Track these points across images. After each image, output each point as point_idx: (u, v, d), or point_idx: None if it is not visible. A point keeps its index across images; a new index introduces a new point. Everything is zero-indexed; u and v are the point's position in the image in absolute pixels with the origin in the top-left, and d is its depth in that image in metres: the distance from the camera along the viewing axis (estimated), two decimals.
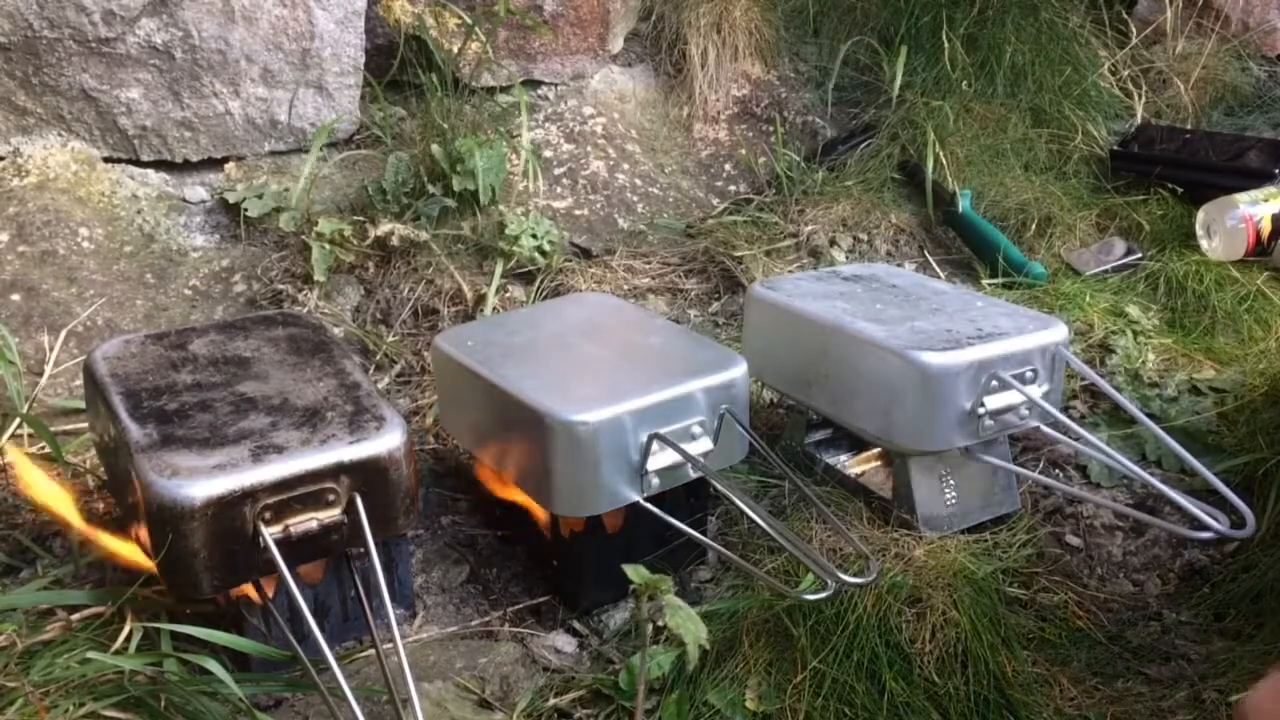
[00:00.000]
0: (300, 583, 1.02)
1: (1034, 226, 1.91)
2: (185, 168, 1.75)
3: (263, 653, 0.98)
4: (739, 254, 1.80)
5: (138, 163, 1.73)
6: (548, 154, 1.94)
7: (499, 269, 1.67)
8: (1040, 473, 1.36)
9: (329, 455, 0.94)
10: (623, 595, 1.16)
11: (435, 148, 1.70)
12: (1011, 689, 1.02)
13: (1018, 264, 1.80)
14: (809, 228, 1.88)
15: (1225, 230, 1.77)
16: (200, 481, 0.89)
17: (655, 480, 1.07)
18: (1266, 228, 1.77)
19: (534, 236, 1.70)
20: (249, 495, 0.90)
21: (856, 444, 1.35)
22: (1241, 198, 1.79)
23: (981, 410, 1.15)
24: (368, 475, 0.96)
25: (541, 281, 1.70)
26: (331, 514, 0.96)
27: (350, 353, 1.16)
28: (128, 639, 0.98)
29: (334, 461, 0.94)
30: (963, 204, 1.89)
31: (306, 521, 0.94)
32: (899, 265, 1.81)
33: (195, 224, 1.72)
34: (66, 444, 1.25)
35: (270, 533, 0.91)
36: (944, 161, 1.96)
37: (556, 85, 2.05)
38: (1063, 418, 1.18)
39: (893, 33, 2.20)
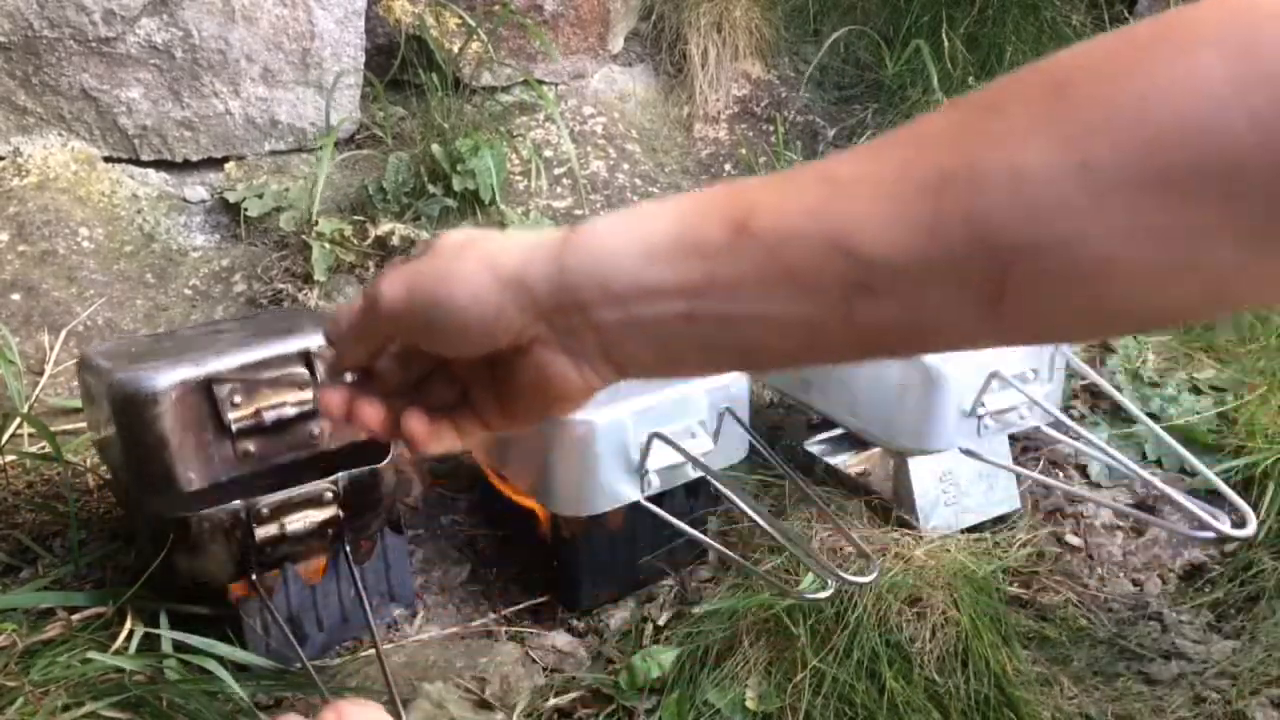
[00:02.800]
0: (300, 583, 1.02)
1: None
2: (185, 167, 1.75)
3: (254, 661, 0.98)
4: None
5: (138, 162, 1.73)
6: (547, 154, 1.94)
7: None
8: (1040, 473, 1.36)
9: (293, 344, 0.94)
10: (623, 595, 1.16)
11: (436, 147, 1.70)
12: (1012, 687, 1.02)
13: None
14: None
15: None
16: (164, 372, 0.89)
17: (655, 479, 1.07)
18: None
19: None
20: (213, 380, 0.90)
21: (856, 444, 1.35)
22: None
23: (981, 410, 1.15)
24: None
25: None
26: (327, 512, 0.96)
27: None
28: (128, 639, 0.98)
29: (300, 349, 0.93)
30: None
31: (300, 520, 0.95)
32: None
33: (195, 224, 1.71)
34: (67, 443, 1.25)
35: (236, 418, 0.90)
36: None
37: (557, 85, 2.05)
38: (1063, 417, 1.18)
39: (893, 32, 2.20)
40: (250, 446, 0.90)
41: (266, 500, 0.93)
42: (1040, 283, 0.41)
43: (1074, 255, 0.40)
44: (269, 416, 0.91)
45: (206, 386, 0.89)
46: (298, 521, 0.95)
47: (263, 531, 0.93)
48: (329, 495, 0.96)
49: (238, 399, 0.90)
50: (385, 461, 0.98)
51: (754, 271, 0.45)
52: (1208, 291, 0.40)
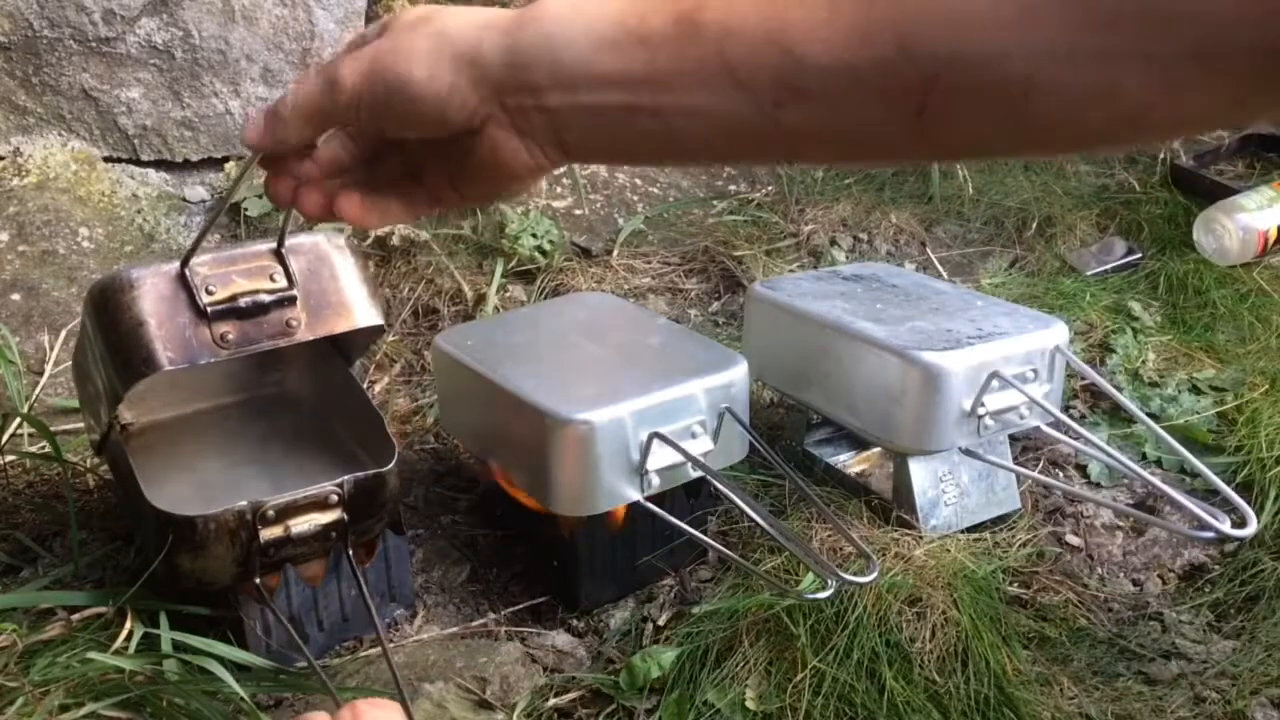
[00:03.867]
0: (301, 583, 1.02)
1: (1034, 226, 1.91)
2: (185, 167, 1.75)
3: (254, 661, 0.98)
4: (739, 254, 1.80)
5: (138, 162, 1.73)
6: None
7: (499, 269, 1.67)
8: (1040, 473, 1.36)
9: (266, 244, 0.96)
10: (623, 595, 1.17)
11: None
12: (1012, 687, 1.02)
13: None
14: (809, 228, 1.88)
15: (1236, 237, 1.76)
16: (139, 267, 0.92)
17: (655, 479, 1.07)
18: (1273, 235, 1.76)
19: (534, 236, 1.70)
20: (184, 264, 0.92)
21: (856, 443, 1.35)
22: (1245, 203, 1.78)
23: (981, 410, 1.15)
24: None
25: (541, 281, 1.70)
26: (332, 515, 0.96)
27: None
28: (128, 639, 0.98)
29: (272, 247, 0.95)
30: None
31: (305, 523, 0.95)
32: (899, 265, 1.81)
33: (195, 223, 1.71)
34: (67, 443, 1.25)
35: (210, 302, 0.91)
36: None
37: None
38: (1063, 417, 1.18)
39: None
40: (227, 331, 0.90)
41: (273, 502, 0.93)
42: (961, 96, 0.43)
43: (996, 71, 0.41)
44: (244, 302, 0.91)
45: (181, 276, 0.91)
46: (303, 524, 0.95)
47: (267, 534, 0.93)
48: (334, 498, 0.96)
49: (213, 288, 0.91)
50: (390, 465, 0.98)
51: (694, 65, 0.46)
52: (1118, 121, 0.42)
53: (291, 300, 0.93)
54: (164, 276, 0.90)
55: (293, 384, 1.21)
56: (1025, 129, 0.43)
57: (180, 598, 1.00)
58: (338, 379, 1.13)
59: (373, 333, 1.03)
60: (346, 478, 0.96)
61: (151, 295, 0.89)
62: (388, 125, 0.54)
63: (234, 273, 0.92)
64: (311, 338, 0.95)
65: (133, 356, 0.89)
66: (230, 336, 0.90)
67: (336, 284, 0.97)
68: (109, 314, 0.90)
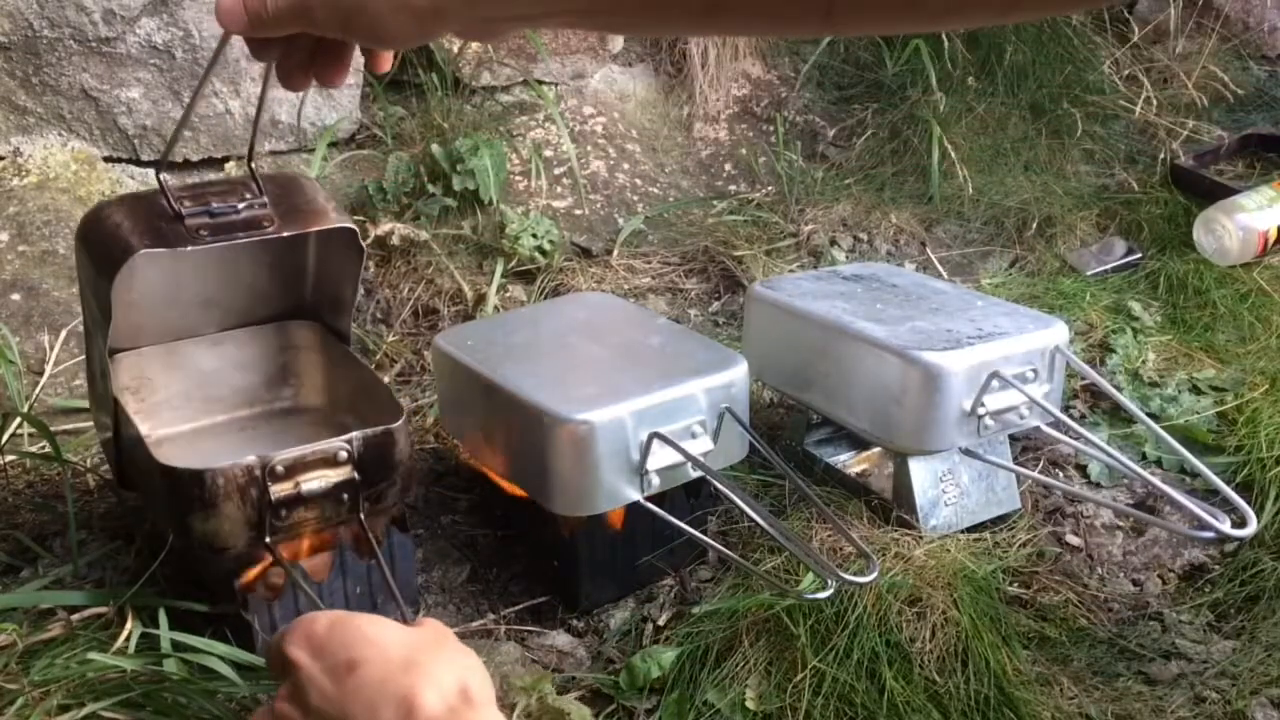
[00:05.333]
0: (308, 581, 1.02)
1: (1034, 226, 1.91)
2: (186, 167, 1.75)
3: (254, 660, 0.98)
4: (739, 254, 1.80)
5: (138, 162, 1.73)
6: (547, 154, 1.94)
7: (499, 269, 1.67)
8: (1040, 473, 1.36)
9: (241, 171, 1.02)
10: (623, 595, 1.17)
11: (435, 147, 1.70)
12: (1012, 688, 1.02)
13: None
14: (809, 227, 1.88)
15: (1235, 237, 1.76)
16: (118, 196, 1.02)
17: (655, 479, 1.07)
18: (1273, 235, 1.76)
19: (534, 236, 1.70)
20: (159, 167, 0.97)
21: (856, 443, 1.35)
22: (1245, 203, 1.78)
23: (981, 410, 1.15)
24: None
25: (541, 281, 1.70)
26: (342, 472, 0.96)
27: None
28: (128, 639, 0.98)
29: (240, 174, 1.01)
30: None
31: (316, 480, 0.95)
32: (899, 265, 1.81)
33: None
34: (67, 444, 1.25)
35: (185, 210, 0.96)
36: (952, 156, 1.96)
37: (557, 85, 2.05)
38: (1063, 417, 1.18)
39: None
40: (203, 227, 0.96)
41: (281, 457, 0.92)
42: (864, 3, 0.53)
43: None
44: (217, 206, 0.97)
45: (159, 192, 0.96)
46: (314, 480, 0.94)
47: (278, 489, 0.92)
48: (344, 454, 0.95)
49: (188, 202, 0.96)
50: (399, 422, 0.98)
51: None
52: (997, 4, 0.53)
53: (264, 204, 0.98)
54: (142, 199, 0.99)
55: (307, 395, 1.21)
56: (917, 16, 0.54)
57: (182, 594, 1.00)
58: (352, 380, 1.13)
59: (350, 260, 1.06)
60: (355, 434, 0.96)
61: (128, 207, 0.97)
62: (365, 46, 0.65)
63: (208, 193, 0.98)
64: (286, 234, 0.99)
65: (112, 250, 0.94)
66: (205, 232, 0.95)
67: (306, 197, 1.03)
68: (93, 232, 0.97)
